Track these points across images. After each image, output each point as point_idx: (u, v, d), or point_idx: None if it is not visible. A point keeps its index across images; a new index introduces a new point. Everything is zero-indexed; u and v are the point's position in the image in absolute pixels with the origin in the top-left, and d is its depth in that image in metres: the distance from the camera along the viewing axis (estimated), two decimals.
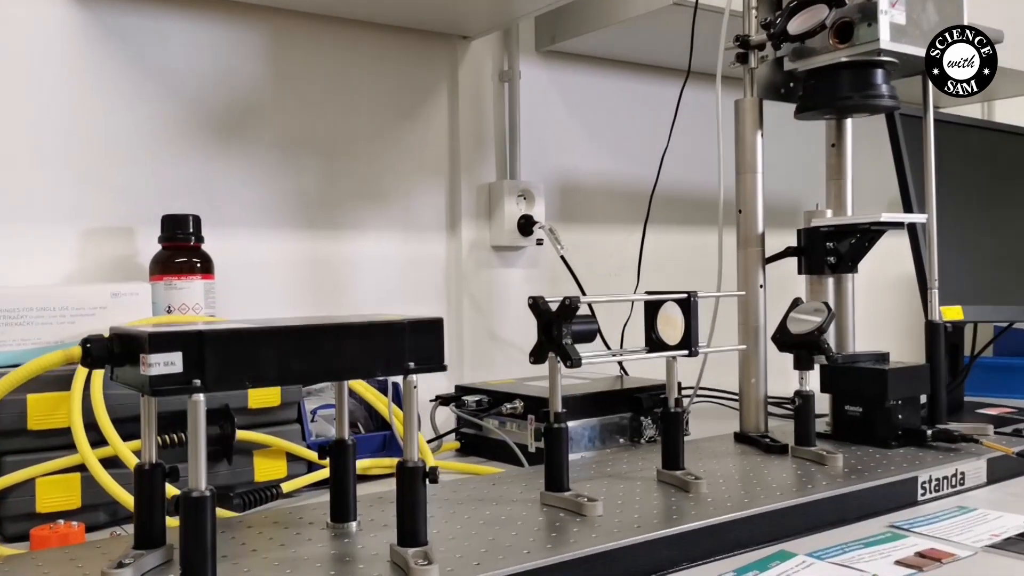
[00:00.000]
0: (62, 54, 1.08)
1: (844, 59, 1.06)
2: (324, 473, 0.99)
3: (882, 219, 1.03)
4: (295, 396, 1.00)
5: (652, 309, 0.93)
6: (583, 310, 0.84)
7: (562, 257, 1.37)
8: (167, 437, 0.87)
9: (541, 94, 1.45)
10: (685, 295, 0.90)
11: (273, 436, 0.96)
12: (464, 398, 1.16)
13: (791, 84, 1.13)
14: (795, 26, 1.02)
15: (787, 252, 1.13)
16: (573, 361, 0.80)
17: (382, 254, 1.31)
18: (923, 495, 0.93)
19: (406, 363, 0.66)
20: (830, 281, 1.13)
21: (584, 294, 1.38)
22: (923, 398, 1.10)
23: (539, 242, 1.40)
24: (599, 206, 1.51)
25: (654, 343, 0.93)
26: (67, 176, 1.09)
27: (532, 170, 1.43)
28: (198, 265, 1.08)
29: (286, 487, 0.94)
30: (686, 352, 0.90)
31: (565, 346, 0.81)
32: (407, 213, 1.33)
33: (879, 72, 1.08)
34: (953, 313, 1.25)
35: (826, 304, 1.02)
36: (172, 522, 0.61)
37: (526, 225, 1.38)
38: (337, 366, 0.63)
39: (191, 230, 1.09)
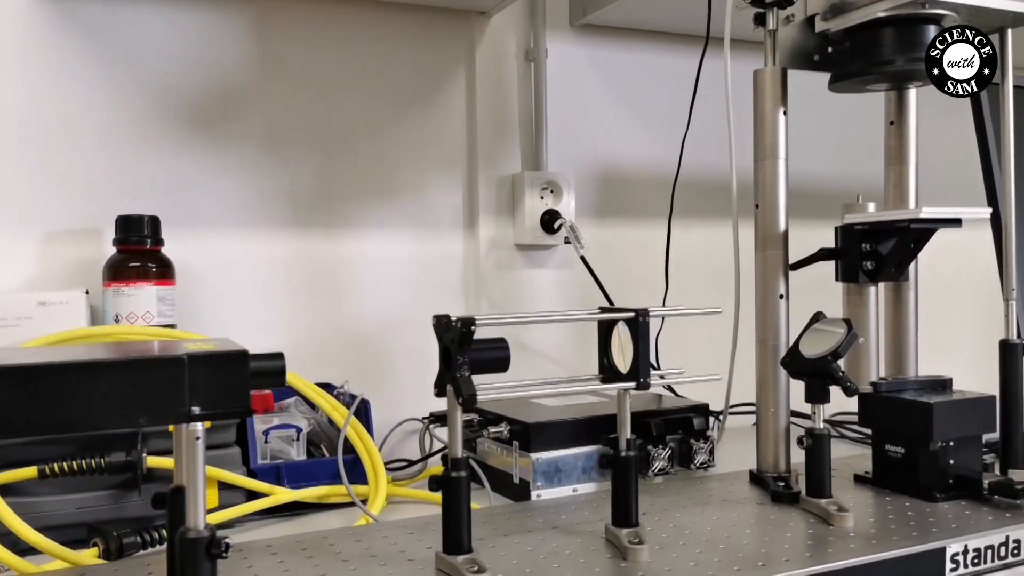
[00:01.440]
0: (25, 48, 1.03)
1: (882, 13, 0.84)
2: (261, 503, 0.90)
3: (922, 215, 0.82)
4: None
5: (605, 330, 0.77)
6: (497, 332, 0.70)
7: (582, 258, 1.21)
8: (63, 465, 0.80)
9: (575, 73, 1.29)
10: (633, 314, 0.73)
11: None
12: None
13: (828, 49, 0.93)
14: None
15: (820, 255, 0.93)
16: (465, 398, 0.65)
17: (389, 255, 1.19)
18: (954, 570, 0.72)
19: (187, 408, 0.53)
20: (872, 291, 0.92)
21: (610, 302, 1.21)
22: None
23: (567, 240, 1.24)
24: (643, 198, 1.33)
25: (607, 371, 0.77)
26: (31, 175, 1.03)
27: (563, 160, 1.28)
28: (153, 270, 1.00)
29: (212, 518, 0.85)
30: (633, 384, 0.73)
31: (458, 378, 0.66)
32: (419, 209, 1.21)
33: (931, 28, 0.86)
34: None
35: (846, 321, 0.82)
36: None
37: (550, 221, 1.23)
38: (75, 416, 0.51)
39: (146, 232, 1.01)
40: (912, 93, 0.97)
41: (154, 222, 1.02)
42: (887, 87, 0.95)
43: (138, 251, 1.01)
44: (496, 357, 0.69)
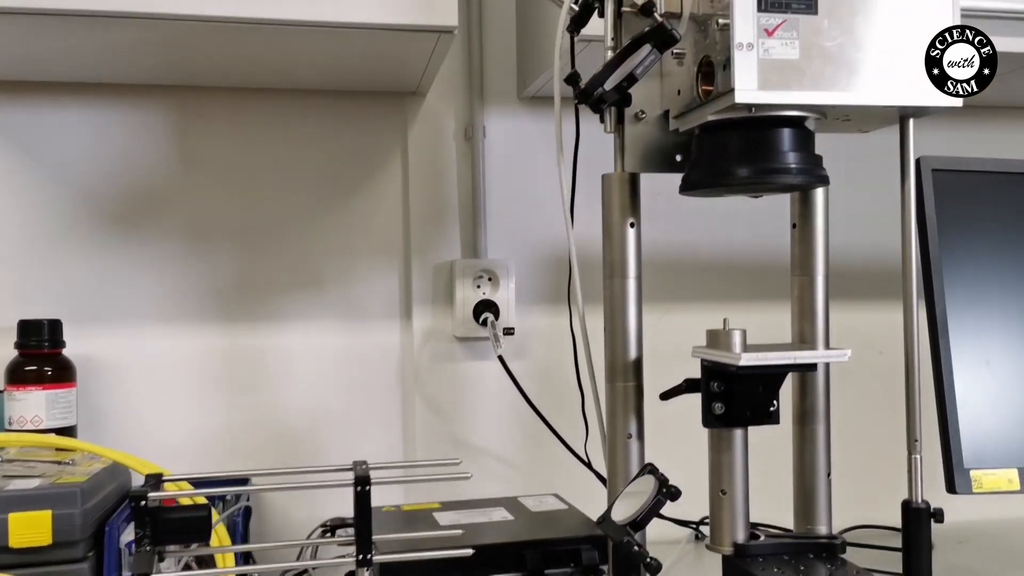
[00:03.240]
0: None
1: (712, 117, 0.72)
2: None
3: (741, 362, 0.68)
4: (84, 531, 0.90)
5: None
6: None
7: (500, 357, 1.12)
8: None
9: (521, 149, 1.20)
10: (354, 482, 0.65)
11: None
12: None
13: (690, 147, 0.80)
14: (613, 81, 0.71)
15: (684, 387, 0.80)
16: None
17: (318, 348, 1.16)
18: None
19: None
20: (739, 432, 0.77)
21: (534, 408, 1.12)
22: None
23: (507, 331, 1.16)
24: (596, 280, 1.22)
25: None
26: None
27: (507, 243, 1.19)
28: (48, 373, 1.03)
29: None
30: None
31: (139, 553, 0.62)
32: (351, 300, 1.17)
33: (786, 133, 0.72)
34: (996, 482, 0.81)
35: (658, 479, 0.69)
36: None
37: (484, 312, 1.15)
38: None
39: (45, 336, 1.03)
40: (820, 193, 0.83)
41: (53, 325, 1.04)
42: (753, 194, 0.81)
43: (36, 355, 1.03)
44: (190, 517, 0.63)
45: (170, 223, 1.13)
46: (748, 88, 0.67)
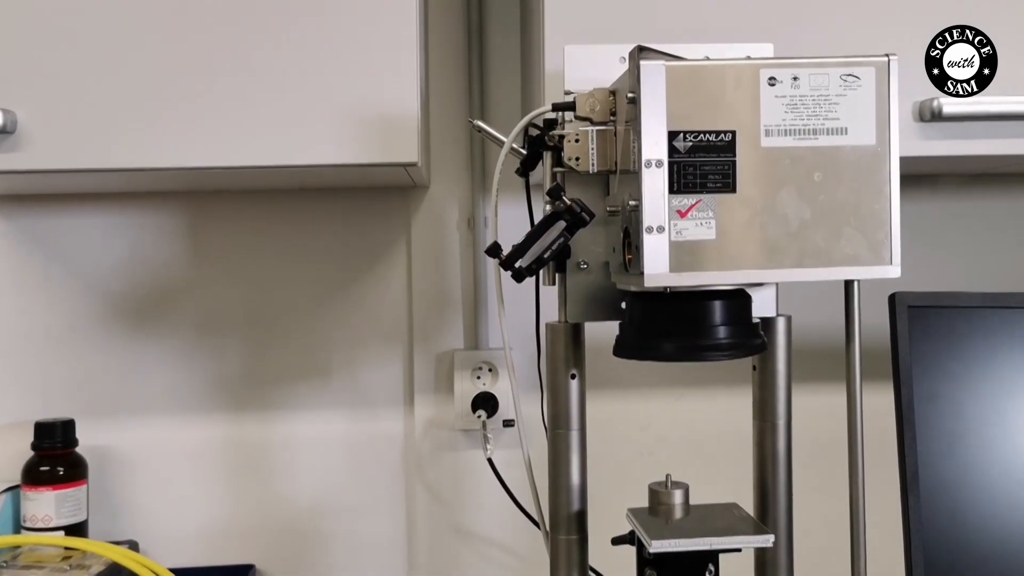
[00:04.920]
0: None
1: (634, 288, 0.69)
2: None
3: (652, 549, 0.66)
4: None
5: None
6: None
7: (489, 460, 1.11)
8: None
9: None
10: None
11: None
12: None
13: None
14: (528, 259, 0.69)
15: (629, 538, 0.78)
16: None
17: (322, 436, 1.18)
18: None
19: None
20: None
21: (522, 509, 1.10)
22: None
23: (507, 423, 1.15)
24: (621, 368, 1.19)
25: None
26: None
27: (516, 329, 1.17)
28: (60, 473, 1.08)
29: None
30: None
31: None
32: (354, 389, 1.19)
33: (716, 306, 0.68)
34: None
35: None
36: None
37: (482, 405, 1.14)
38: None
39: (58, 438, 1.09)
40: (781, 322, 0.79)
41: (66, 426, 1.10)
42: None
43: (48, 455, 1.09)
44: None
45: (180, 317, 1.17)
46: (658, 272, 0.64)
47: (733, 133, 0.64)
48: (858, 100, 0.65)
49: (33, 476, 1.08)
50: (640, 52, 0.64)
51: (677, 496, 0.73)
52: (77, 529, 1.09)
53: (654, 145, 0.63)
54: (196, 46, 0.85)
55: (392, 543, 1.19)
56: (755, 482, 0.80)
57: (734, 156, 0.64)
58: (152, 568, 0.97)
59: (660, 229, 0.64)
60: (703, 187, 0.64)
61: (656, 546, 0.66)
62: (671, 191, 0.64)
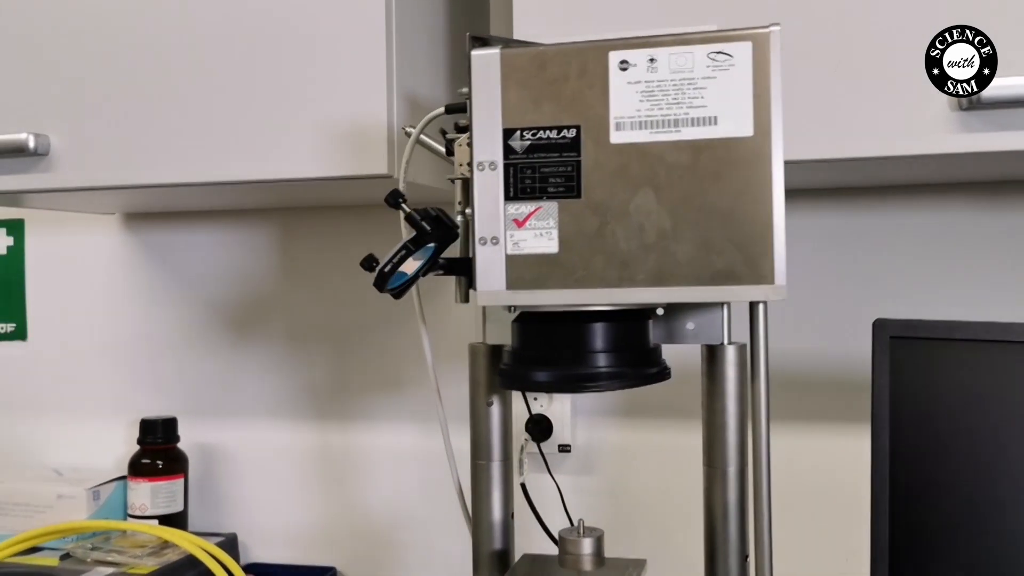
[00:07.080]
0: (108, 266, 1.30)
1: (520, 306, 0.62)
2: None
3: None
4: None
5: None
6: None
7: (522, 485, 1.04)
8: None
9: None
10: None
11: None
12: None
13: None
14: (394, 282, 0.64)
15: None
16: None
17: (397, 447, 1.19)
18: None
19: None
20: None
21: (551, 537, 1.02)
22: None
23: (563, 448, 1.08)
24: (674, 393, 1.08)
25: None
26: (115, 372, 1.30)
27: None
28: (159, 466, 1.19)
29: None
30: None
31: None
32: (427, 403, 1.19)
33: (598, 329, 0.60)
34: None
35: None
36: None
37: (534, 430, 1.09)
38: None
39: (159, 434, 1.20)
40: (731, 351, 0.67)
41: (167, 423, 1.20)
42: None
43: (150, 450, 1.20)
44: None
45: (273, 328, 1.24)
46: (492, 289, 0.57)
47: (578, 128, 0.56)
48: (731, 83, 0.54)
49: (136, 468, 1.19)
50: (473, 41, 0.58)
51: (586, 546, 0.65)
52: (173, 519, 1.19)
53: (487, 145, 0.57)
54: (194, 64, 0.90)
55: (462, 561, 1.17)
56: (705, 537, 0.69)
57: (579, 155, 0.56)
58: (223, 560, 1.02)
59: (494, 240, 0.57)
60: (543, 192, 0.56)
61: None
62: (507, 197, 0.57)
